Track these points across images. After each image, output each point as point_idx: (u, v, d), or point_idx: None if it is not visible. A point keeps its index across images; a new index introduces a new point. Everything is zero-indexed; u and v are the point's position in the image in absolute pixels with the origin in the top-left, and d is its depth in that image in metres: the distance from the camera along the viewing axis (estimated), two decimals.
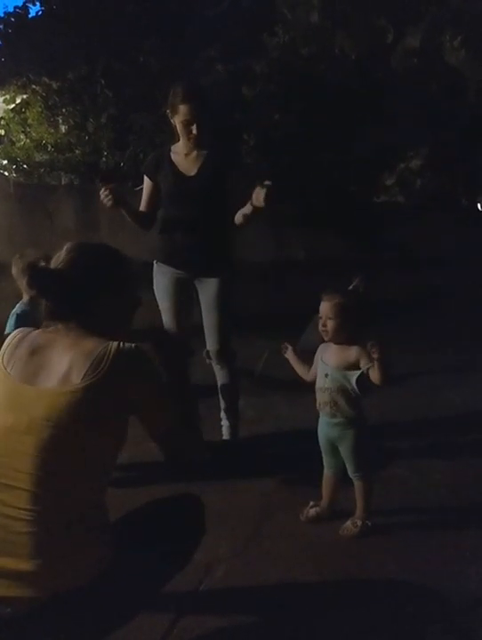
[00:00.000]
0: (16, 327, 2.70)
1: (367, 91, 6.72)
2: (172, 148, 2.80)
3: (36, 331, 1.50)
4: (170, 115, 2.70)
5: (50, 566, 1.33)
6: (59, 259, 1.50)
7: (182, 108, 2.61)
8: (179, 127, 2.68)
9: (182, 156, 2.76)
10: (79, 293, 1.46)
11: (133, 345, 1.42)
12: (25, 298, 2.79)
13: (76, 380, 1.36)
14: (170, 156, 2.77)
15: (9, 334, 2.71)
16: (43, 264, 1.52)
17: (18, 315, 2.75)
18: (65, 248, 1.51)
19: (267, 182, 2.44)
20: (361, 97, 6.74)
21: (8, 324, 2.74)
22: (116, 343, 1.40)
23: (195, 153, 2.74)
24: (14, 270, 2.80)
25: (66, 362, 1.39)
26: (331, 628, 1.80)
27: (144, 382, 1.45)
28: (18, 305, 2.80)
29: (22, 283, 2.77)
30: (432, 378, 4.11)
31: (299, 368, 2.40)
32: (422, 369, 4.25)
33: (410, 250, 7.31)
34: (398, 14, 6.36)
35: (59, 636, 1.37)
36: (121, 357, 1.39)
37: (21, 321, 2.71)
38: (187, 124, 2.64)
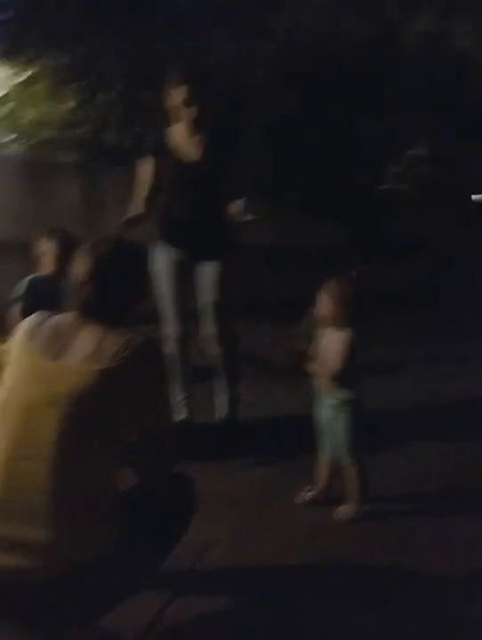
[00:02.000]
0: (24, 293, 2.79)
1: (374, 75, 6.63)
2: (172, 129, 2.77)
3: (59, 314, 1.57)
4: (169, 96, 2.67)
5: (65, 538, 1.39)
6: (99, 251, 1.54)
7: (180, 90, 2.59)
8: (177, 109, 2.65)
9: (182, 138, 2.73)
10: (129, 298, 1.59)
11: (154, 339, 1.57)
12: (42, 272, 2.86)
13: (104, 360, 1.44)
14: (170, 139, 2.75)
15: (18, 297, 2.82)
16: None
17: (30, 281, 2.84)
18: (109, 244, 1.57)
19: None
20: (367, 82, 6.65)
21: (18, 289, 2.82)
22: (141, 333, 1.51)
23: (195, 136, 2.71)
24: (46, 246, 2.84)
25: (94, 343, 1.47)
26: (323, 612, 1.83)
27: (158, 374, 1.56)
28: (33, 275, 2.86)
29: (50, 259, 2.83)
30: (431, 366, 4.12)
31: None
32: (422, 357, 4.26)
33: (413, 238, 7.28)
34: None
35: (66, 609, 1.42)
36: (146, 346, 1.49)
37: (32, 289, 2.79)
38: (185, 106, 2.61)
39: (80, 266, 1.54)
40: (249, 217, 2.48)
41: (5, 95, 8.77)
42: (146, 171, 2.82)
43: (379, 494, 2.40)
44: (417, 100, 6.61)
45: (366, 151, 7.14)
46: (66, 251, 2.80)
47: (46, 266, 2.87)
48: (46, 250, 2.87)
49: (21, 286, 2.84)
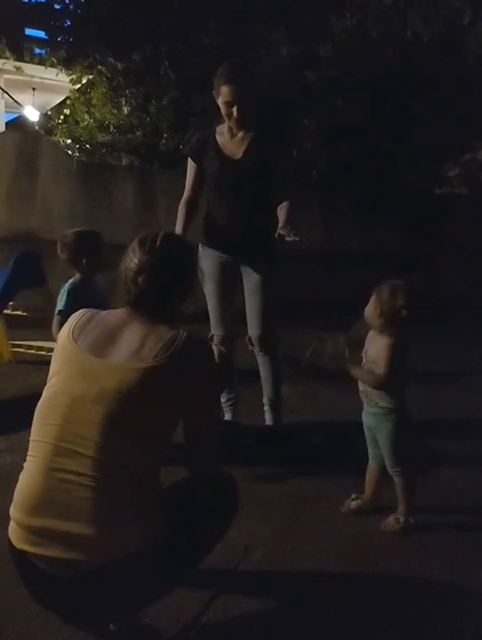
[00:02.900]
0: (67, 303, 2.76)
1: (437, 76, 6.49)
2: (218, 128, 2.76)
3: (105, 311, 1.59)
4: (215, 95, 2.67)
5: (107, 533, 1.39)
6: (152, 244, 1.54)
7: (223, 90, 2.57)
8: (222, 108, 2.64)
9: (228, 138, 2.72)
10: (178, 292, 1.59)
11: (201, 338, 1.55)
12: (77, 276, 2.84)
13: (149, 358, 1.44)
14: (215, 138, 2.74)
15: (62, 311, 2.76)
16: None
17: (69, 291, 2.77)
18: (160, 238, 1.56)
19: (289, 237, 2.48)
20: (429, 83, 6.52)
21: (59, 301, 2.77)
22: (186, 331, 1.50)
23: (240, 135, 2.69)
24: (62, 249, 2.81)
25: (138, 340, 1.47)
26: (364, 620, 1.79)
27: (203, 372, 1.53)
28: (69, 282, 2.83)
29: (72, 261, 2.81)
30: None
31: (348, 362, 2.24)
32: (477, 367, 4.13)
33: (470, 242, 7.07)
34: None
35: (108, 602, 1.43)
36: (191, 343, 1.49)
37: (72, 297, 2.76)
38: (228, 106, 2.60)
39: (132, 258, 1.54)
40: (295, 238, 2.46)
41: (64, 101, 9.07)
42: (189, 173, 2.84)
43: (427, 506, 2.33)
44: (476, 102, 6.43)
45: (424, 154, 6.99)
46: (91, 250, 2.77)
47: (76, 268, 2.81)
48: (71, 252, 2.78)
49: (60, 300, 2.77)
